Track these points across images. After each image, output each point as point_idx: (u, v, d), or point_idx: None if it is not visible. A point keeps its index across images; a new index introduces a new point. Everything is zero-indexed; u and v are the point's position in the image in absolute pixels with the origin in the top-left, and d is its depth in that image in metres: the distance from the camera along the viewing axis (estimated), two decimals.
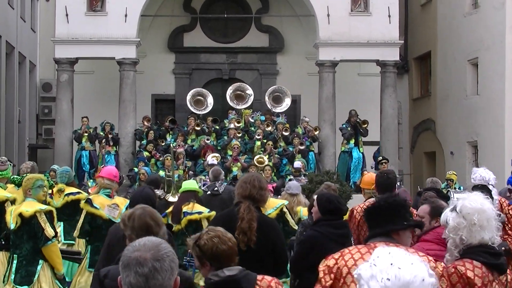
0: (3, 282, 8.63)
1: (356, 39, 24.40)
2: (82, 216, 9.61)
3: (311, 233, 7.44)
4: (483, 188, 9.27)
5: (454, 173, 19.35)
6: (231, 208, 7.09)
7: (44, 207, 8.68)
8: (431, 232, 6.28)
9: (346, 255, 4.51)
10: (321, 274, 4.57)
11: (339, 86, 24.84)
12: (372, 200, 8.03)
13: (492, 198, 8.71)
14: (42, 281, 8.52)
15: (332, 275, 4.48)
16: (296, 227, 9.89)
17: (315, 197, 8.08)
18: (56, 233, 8.69)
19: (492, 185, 9.59)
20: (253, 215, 6.53)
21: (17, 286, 8.50)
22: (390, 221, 4.58)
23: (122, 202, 9.91)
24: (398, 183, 17.64)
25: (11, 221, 8.47)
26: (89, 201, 9.68)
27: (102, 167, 21.73)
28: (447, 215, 4.89)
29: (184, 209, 9.74)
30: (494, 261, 4.63)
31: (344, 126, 23.95)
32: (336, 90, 24.62)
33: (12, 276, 8.49)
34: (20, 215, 8.37)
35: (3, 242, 8.76)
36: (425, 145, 29.85)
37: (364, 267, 3.40)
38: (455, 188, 17.25)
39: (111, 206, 9.80)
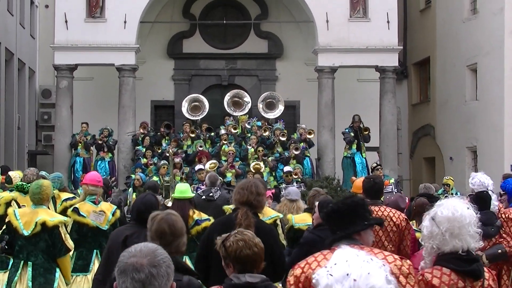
0: (10, 286, 8.63)
1: (355, 45, 24.43)
2: (70, 224, 9.63)
3: (310, 237, 7.43)
4: (485, 195, 9.25)
5: (451, 178, 19.34)
6: (229, 214, 7.10)
7: (65, 218, 8.85)
8: None
9: (312, 262, 4.38)
10: (287, 286, 4.51)
11: (338, 92, 24.85)
12: None
13: (488, 206, 8.72)
14: (61, 286, 8.65)
15: (301, 285, 4.38)
16: (285, 242, 9.82)
17: (316, 203, 8.10)
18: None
19: (491, 190, 9.58)
20: (250, 221, 6.52)
21: None
22: (351, 222, 4.47)
23: (108, 208, 10.04)
24: (395, 189, 17.65)
25: (23, 227, 8.50)
26: (75, 210, 9.76)
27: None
28: (424, 223, 4.88)
29: (195, 216, 9.67)
30: (465, 268, 4.59)
31: (346, 130, 23.96)
32: (335, 96, 24.63)
33: (29, 284, 8.51)
34: (43, 224, 8.41)
35: (6, 247, 8.75)
36: (424, 151, 29.85)
37: (321, 274, 3.38)
38: (452, 194, 17.23)
39: (97, 213, 9.90)
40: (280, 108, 25.28)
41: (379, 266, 3.34)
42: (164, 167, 21.03)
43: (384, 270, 3.34)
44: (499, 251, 7.81)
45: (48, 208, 9.63)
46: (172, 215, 5.38)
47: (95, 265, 9.83)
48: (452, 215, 4.64)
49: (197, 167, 20.12)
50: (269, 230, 6.87)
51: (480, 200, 8.34)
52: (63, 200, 10.68)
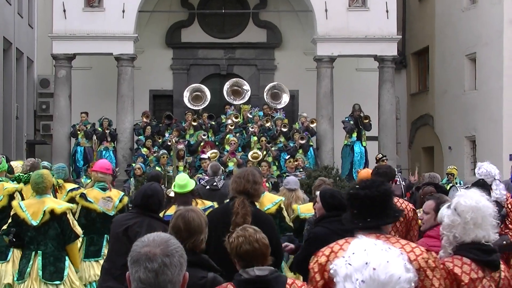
0: (22, 278, 8.64)
1: (354, 34, 24.39)
2: (78, 210, 9.84)
3: (321, 230, 7.22)
4: (483, 184, 9.27)
5: (455, 167, 19.37)
6: (226, 203, 7.11)
7: (72, 205, 8.93)
8: (436, 228, 6.21)
9: (338, 250, 4.32)
10: (311, 273, 4.48)
11: (337, 81, 24.84)
12: None
13: (489, 194, 8.73)
14: (71, 275, 8.70)
15: (326, 274, 4.36)
16: (291, 224, 9.84)
17: (317, 193, 8.01)
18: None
19: (498, 179, 9.59)
20: (247, 210, 6.55)
21: (49, 282, 8.57)
22: (383, 212, 4.42)
23: (116, 194, 10.24)
24: (403, 181, 17.66)
25: (31, 218, 8.51)
26: (83, 196, 9.96)
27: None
28: (443, 212, 4.87)
29: (199, 207, 9.62)
30: (485, 258, 4.60)
31: (346, 119, 23.98)
32: (334, 85, 24.61)
33: (40, 273, 8.53)
34: (52, 211, 8.44)
35: (14, 240, 8.75)
36: (423, 140, 29.87)
37: (339, 264, 3.38)
38: (456, 183, 17.27)
39: (105, 199, 10.08)
40: (285, 99, 25.28)
41: (397, 255, 3.34)
42: (164, 157, 21.04)
43: (403, 258, 3.33)
44: (504, 242, 7.81)
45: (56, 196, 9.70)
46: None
47: (106, 249, 9.97)
48: (476, 205, 4.63)
49: (202, 156, 20.19)
50: (266, 219, 6.88)
51: (481, 188, 8.35)
52: (69, 191, 10.69)
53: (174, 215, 5.38)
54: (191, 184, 9.87)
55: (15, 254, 9.67)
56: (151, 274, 3.14)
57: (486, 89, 24.60)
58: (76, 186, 11.13)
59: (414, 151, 30.75)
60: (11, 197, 9.89)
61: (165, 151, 21.33)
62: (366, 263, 3.26)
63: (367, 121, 23.85)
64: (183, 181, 9.77)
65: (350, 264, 3.31)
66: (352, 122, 23.84)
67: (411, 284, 3.31)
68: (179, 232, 5.17)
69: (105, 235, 9.84)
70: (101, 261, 9.59)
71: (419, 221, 8.32)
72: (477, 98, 25.08)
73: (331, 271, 3.45)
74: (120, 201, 10.19)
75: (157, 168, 20.62)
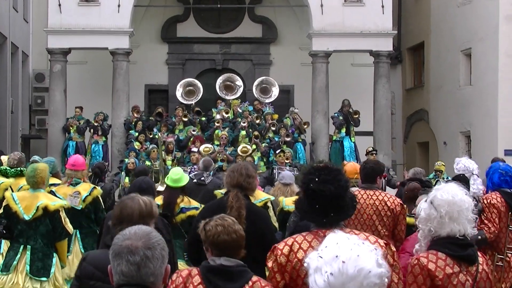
0: (7, 270, 8.63)
1: (349, 29, 24.37)
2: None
3: (306, 224, 7.29)
4: (462, 179, 9.33)
5: (443, 164, 19.41)
6: (220, 198, 7.13)
7: (65, 202, 8.91)
8: None
9: (298, 250, 4.39)
10: (271, 273, 4.50)
11: (333, 76, 24.82)
12: (355, 189, 7.99)
13: (468, 188, 8.76)
14: (56, 272, 8.69)
15: (287, 274, 4.41)
16: (277, 225, 9.82)
17: None
18: None
19: (476, 174, 9.64)
20: (241, 203, 6.56)
21: (35, 278, 8.56)
22: (344, 207, 4.45)
23: (86, 188, 10.38)
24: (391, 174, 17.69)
25: (23, 212, 8.50)
26: (52, 193, 9.92)
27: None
28: (420, 206, 4.89)
29: (182, 204, 9.61)
30: (460, 253, 4.60)
31: (336, 115, 24.01)
32: (330, 80, 24.60)
33: (27, 267, 8.53)
34: (45, 208, 8.43)
35: (4, 232, 8.75)
36: (418, 136, 29.92)
37: (312, 257, 3.39)
38: (443, 179, 17.27)
39: (72, 195, 10.20)
40: (275, 92, 25.29)
41: (370, 250, 3.34)
42: (154, 151, 21.04)
43: (376, 253, 3.34)
44: (479, 237, 7.84)
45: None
46: (127, 199, 5.32)
47: (75, 245, 10.19)
48: (452, 199, 4.65)
49: (192, 149, 20.18)
50: (261, 213, 6.91)
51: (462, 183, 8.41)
52: (49, 185, 10.66)
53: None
54: (184, 179, 9.85)
55: (4, 248, 9.66)
56: (133, 267, 3.16)
57: (481, 84, 24.62)
58: (58, 182, 11.06)
59: (409, 146, 30.78)
60: (4, 191, 9.88)
61: (155, 146, 21.30)
62: (337, 256, 3.27)
63: (356, 116, 23.86)
64: (177, 175, 9.75)
65: (321, 257, 3.31)
66: (341, 118, 23.85)
67: (383, 279, 3.31)
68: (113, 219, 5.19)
69: (75, 230, 9.82)
70: (70, 257, 9.69)
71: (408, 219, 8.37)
72: (473, 93, 25.10)
73: (305, 265, 3.46)
74: (90, 194, 10.28)
75: (147, 162, 20.62)
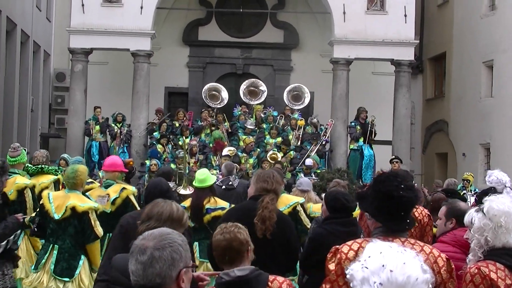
0: (36, 268, 8.67)
1: (371, 37, 24.32)
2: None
3: (318, 231, 7.44)
4: (493, 192, 9.23)
5: (472, 174, 19.23)
6: (247, 201, 7.15)
7: (96, 205, 8.82)
8: (449, 233, 6.17)
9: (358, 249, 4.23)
10: (333, 276, 4.28)
11: (353, 84, 24.79)
12: None
13: None
14: (83, 274, 8.60)
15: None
16: (309, 226, 9.82)
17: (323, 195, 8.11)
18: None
19: (509, 187, 9.54)
20: (275, 207, 6.71)
21: (58, 277, 8.55)
22: (406, 216, 4.29)
23: (116, 189, 10.25)
24: None
25: (54, 210, 8.50)
26: (85, 196, 9.81)
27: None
28: (472, 215, 4.82)
29: (207, 205, 9.67)
30: None
31: (352, 124, 23.90)
32: (350, 88, 24.56)
33: (52, 266, 8.52)
34: (73, 208, 8.41)
35: (35, 229, 8.76)
36: (437, 146, 29.75)
37: (356, 268, 3.35)
38: (471, 191, 17.17)
39: (101, 197, 10.09)
40: (306, 100, 25.31)
41: (413, 256, 3.31)
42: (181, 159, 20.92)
43: (419, 259, 3.31)
44: None
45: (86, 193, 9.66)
46: (161, 201, 5.39)
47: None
48: (508, 210, 4.61)
49: (224, 153, 20.30)
50: (288, 221, 7.03)
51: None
52: None
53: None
54: (210, 179, 9.90)
55: (21, 247, 9.66)
56: (140, 266, 3.16)
57: (502, 96, 24.45)
58: (88, 180, 11.06)
59: (427, 156, 30.63)
60: (20, 192, 9.84)
61: (182, 154, 21.22)
62: (383, 266, 3.24)
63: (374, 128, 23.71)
64: (203, 176, 9.80)
65: (367, 268, 3.28)
66: (358, 127, 23.73)
67: (429, 285, 3.30)
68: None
69: (107, 234, 9.65)
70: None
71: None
72: (493, 105, 24.94)
73: (348, 276, 3.42)
74: (119, 196, 10.18)
75: (172, 165, 20.64)
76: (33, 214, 8.85)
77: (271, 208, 6.57)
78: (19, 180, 9.99)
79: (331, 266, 4.33)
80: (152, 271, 3.14)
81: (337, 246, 4.38)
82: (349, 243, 4.31)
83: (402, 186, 4.30)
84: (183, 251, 3.23)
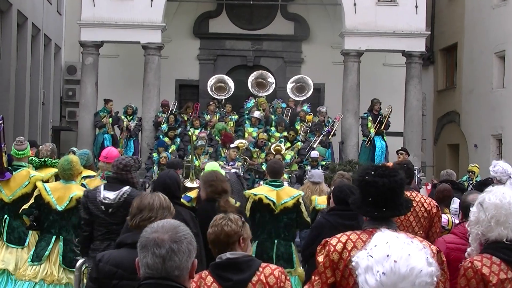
0: (39, 260, 8.71)
1: (382, 29, 24.23)
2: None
3: (320, 220, 7.63)
4: (490, 183, 9.21)
5: (477, 166, 19.15)
6: (205, 204, 7.68)
7: None
8: (460, 226, 6.19)
9: (352, 249, 4.32)
10: (321, 268, 4.46)
11: (364, 76, 24.72)
12: None
13: None
14: None
15: (339, 272, 4.37)
16: (309, 220, 9.81)
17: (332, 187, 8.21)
18: None
19: None
20: (232, 206, 7.24)
21: (68, 269, 8.64)
22: (398, 204, 4.42)
23: None
24: (418, 175, 17.51)
25: (55, 202, 8.54)
26: (83, 186, 9.84)
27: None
28: (472, 209, 4.81)
29: None
30: None
31: (365, 115, 23.83)
32: (361, 80, 24.50)
33: (60, 258, 8.61)
34: (79, 199, 8.43)
35: (35, 224, 8.80)
36: (448, 137, 29.68)
37: (361, 256, 3.37)
38: (476, 181, 17.10)
39: None
40: (309, 92, 25.23)
41: (419, 249, 3.31)
42: (200, 148, 20.85)
43: (425, 252, 3.31)
44: None
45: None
46: (146, 194, 5.58)
47: None
48: (500, 202, 4.54)
49: (232, 145, 20.33)
50: (245, 215, 7.55)
51: (485, 187, 8.32)
52: (83, 177, 10.66)
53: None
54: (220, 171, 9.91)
55: (31, 241, 9.68)
56: (159, 259, 3.17)
57: None
58: (93, 174, 11.08)
59: (439, 148, 30.56)
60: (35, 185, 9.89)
61: (203, 143, 21.19)
62: (388, 256, 3.25)
63: (387, 119, 23.63)
64: (212, 168, 9.80)
65: (372, 256, 3.30)
66: (370, 118, 23.63)
67: (433, 278, 3.30)
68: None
69: None
70: None
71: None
72: (505, 96, 24.83)
73: (353, 263, 3.44)
74: None
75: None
76: (26, 206, 8.79)
77: (230, 210, 6.59)
78: (33, 173, 10.06)
79: (320, 258, 4.44)
80: (172, 264, 3.17)
81: (327, 239, 4.48)
82: (338, 235, 4.46)
83: (373, 172, 4.41)
84: (194, 242, 3.29)
